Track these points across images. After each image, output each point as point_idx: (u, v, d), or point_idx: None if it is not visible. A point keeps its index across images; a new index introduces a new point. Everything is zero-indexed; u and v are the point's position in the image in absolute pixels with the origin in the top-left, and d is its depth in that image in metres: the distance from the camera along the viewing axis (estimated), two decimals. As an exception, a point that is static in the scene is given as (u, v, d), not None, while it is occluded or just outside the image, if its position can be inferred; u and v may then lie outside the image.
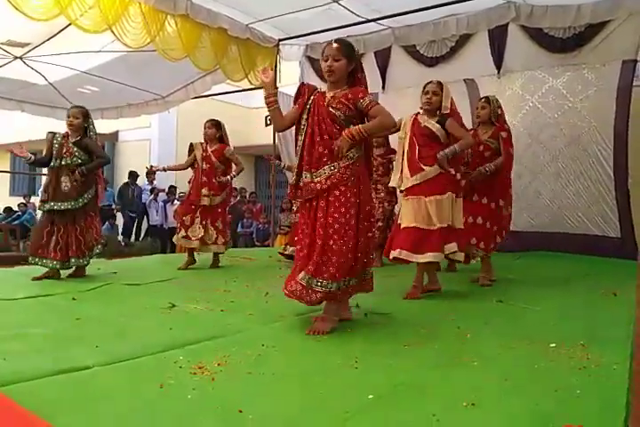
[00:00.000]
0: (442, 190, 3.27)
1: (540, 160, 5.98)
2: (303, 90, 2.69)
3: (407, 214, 3.36)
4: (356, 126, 2.48)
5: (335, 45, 2.53)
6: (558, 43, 5.79)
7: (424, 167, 3.31)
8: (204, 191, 4.75)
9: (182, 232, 4.80)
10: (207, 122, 4.90)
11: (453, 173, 3.34)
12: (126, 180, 10.71)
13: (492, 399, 1.69)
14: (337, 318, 2.60)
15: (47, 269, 3.99)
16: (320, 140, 2.53)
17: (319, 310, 2.69)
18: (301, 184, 2.58)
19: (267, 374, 1.92)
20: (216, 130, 4.84)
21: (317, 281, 2.46)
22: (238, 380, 1.86)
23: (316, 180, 2.50)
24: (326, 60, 2.54)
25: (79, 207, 4.00)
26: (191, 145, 4.92)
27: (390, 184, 3.70)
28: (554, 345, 2.27)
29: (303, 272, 2.49)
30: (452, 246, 3.28)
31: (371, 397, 1.70)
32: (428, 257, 3.24)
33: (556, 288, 3.82)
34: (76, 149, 4.03)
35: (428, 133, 3.35)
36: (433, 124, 3.34)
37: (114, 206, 10.49)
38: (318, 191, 2.49)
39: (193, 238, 4.74)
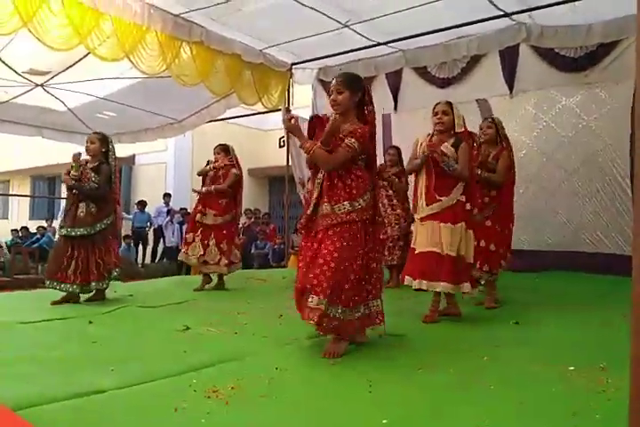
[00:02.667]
0: (455, 220, 3.25)
1: (556, 179, 5.94)
2: (317, 123, 2.75)
3: (421, 239, 3.36)
4: (314, 145, 2.55)
5: (338, 79, 2.64)
6: (570, 62, 5.80)
7: (440, 198, 3.31)
8: (208, 211, 4.84)
9: (184, 249, 4.90)
10: (216, 147, 5.02)
11: (464, 200, 3.31)
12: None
13: (508, 424, 1.66)
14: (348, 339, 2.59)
15: (65, 294, 4.03)
16: (337, 174, 2.59)
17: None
18: (318, 216, 2.60)
19: (280, 397, 1.91)
20: (225, 154, 4.94)
21: (331, 307, 2.45)
22: (252, 404, 1.86)
23: (338, 212, 2.54)
24: (331, 94, 2.64)
25: (95, 233, 4.05)
26: (208, 162, 5.04)
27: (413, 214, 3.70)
28: (572, 368, 2.22)
29: (317, 297, 2.46)
30: (466, 286, 3.24)
31: (385, 421, 1.68)
32: (440, 287, 3.22)
33: (575, 309, 3.75)
34: (92, 174, 4.10)
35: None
36: (448, 148, 3.32)
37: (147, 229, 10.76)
38: (339, 223, 2.52)
39: (192, 256, 4.81)
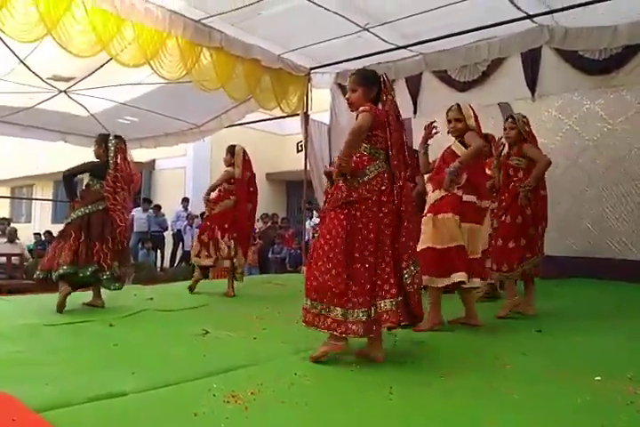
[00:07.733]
0: (437, 211, 3.16)
1: (580, 184, 5.83)
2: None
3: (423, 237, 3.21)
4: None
5: (352, 77, 2.61)
6: (595, 65, 5.70)
7: (429, 192, 3.30)
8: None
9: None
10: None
11: (457, 192, 3.15)
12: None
13: (535, 435, 1.61)
14: (338, 344, 2.45)
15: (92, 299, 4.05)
16: None
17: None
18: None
19: (300, 403, 1.89)
20: (231, 156, 4.92)
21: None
22: (272, 409, 1.84)
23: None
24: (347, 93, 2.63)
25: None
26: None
27: None
28: (599, 378, 2.16)
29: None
30: (459, 275, 3.02)
31: (407, 430, 1.65)
32: (454, 277, 3.02)
33: (600, 317, 3.66)
34: None
35: (453, 157, 3.25)
36: (458, 147, 3.28)
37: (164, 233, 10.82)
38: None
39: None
